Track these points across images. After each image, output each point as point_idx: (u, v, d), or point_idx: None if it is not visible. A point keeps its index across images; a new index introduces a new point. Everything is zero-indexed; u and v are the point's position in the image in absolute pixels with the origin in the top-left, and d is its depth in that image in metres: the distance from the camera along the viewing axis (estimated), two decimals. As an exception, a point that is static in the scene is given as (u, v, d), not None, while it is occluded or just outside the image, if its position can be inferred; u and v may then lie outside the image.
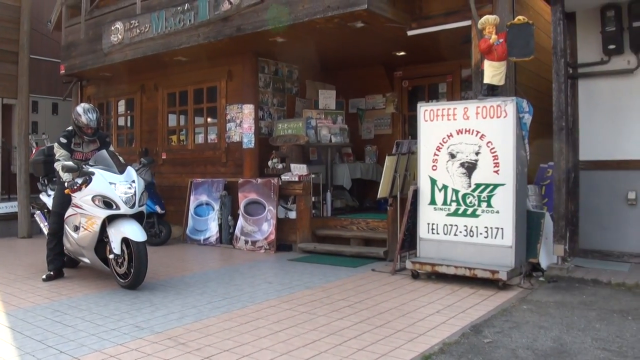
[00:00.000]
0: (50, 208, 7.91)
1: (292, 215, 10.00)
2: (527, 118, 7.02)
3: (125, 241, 6.71)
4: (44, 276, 7.51)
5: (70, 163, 7.03)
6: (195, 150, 11.94)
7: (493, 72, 7.04)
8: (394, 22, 8.64)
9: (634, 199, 7.60)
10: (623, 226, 7.66)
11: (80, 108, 7.44)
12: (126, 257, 6.77)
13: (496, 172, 6.80)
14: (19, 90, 12.91)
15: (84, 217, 7.00)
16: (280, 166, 10.37)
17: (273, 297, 6.42)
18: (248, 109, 10.64)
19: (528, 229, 7.09)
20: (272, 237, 9.86)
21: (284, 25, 8.90)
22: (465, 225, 7.00)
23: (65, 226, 7.48)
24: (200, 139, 11.98)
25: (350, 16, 8.36)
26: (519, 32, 6.99)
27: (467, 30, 8.11)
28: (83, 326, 5.39)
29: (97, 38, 12.06)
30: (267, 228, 9.98)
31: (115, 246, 6.70)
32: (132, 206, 6.78)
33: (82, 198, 6.97)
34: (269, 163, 10.49)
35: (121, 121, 14.08)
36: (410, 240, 7.59)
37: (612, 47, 7.67)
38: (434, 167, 7.28)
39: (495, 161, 6.81)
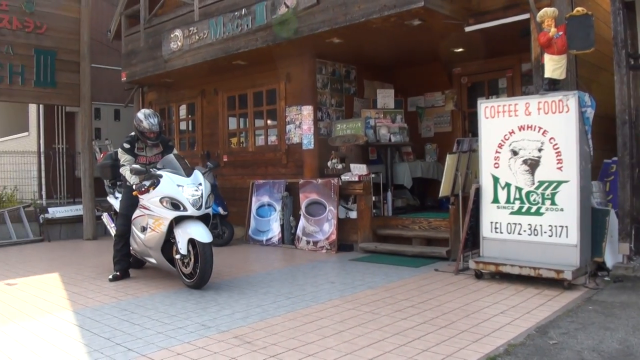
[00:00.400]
0: (118, 210, 8.18)
1: (353, 215, 10.02)
2: (590, 112, 6.88)
3: (192, 242, 6.90)
4: (110, 276, 7.77)
5: (138, 166, 7.34)
6: (256, 152, 12.08)
7: (554, 65, 6.92)
8: (451, 18, 8.57)
9: None
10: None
11: (141, 114, 7.69)
12: (192, 257, 6.96)
13: (559, 168, 6.69)
14: (82, 98, 13.38)
15: (152, 218, 7.26)
16: (340, 166, 10.40)
17: (336, 297, 6.46)
18: (307, 110, 10.72)
19: (593, 227, 6.94)
20: (334, 237, 9.91)
21: (340, 27, 8.94)
22: (529, 224, 6.91)
23: (133, 227, 7.76)
24: (260, 141, 12.11)
25: (407, 14, 8.34)
26: (579, 24, 6.84)
27: (526, 24, 7.97)
28: (150, 324, 5.56)
29: (157, 45, 12.33)
30: (328, 228, 10.03)
31: (182, 247, 6.89)
32: (199, 208, 6.98)
33: (150, 200, 7.23)
34: (329, 163, 10.53)
35: (183, 125, 14.35)
36: (473, 239, 7.53)
37: (674, 36, 7.44)
38: (496, 165, 7.20)
39: (559, 157, 6.69)
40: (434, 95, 12.23)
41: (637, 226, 7.30)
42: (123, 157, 7.70)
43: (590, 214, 6.93)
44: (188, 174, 7.20)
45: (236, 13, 10.43)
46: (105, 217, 9.09)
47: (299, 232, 10.45)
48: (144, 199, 7.35)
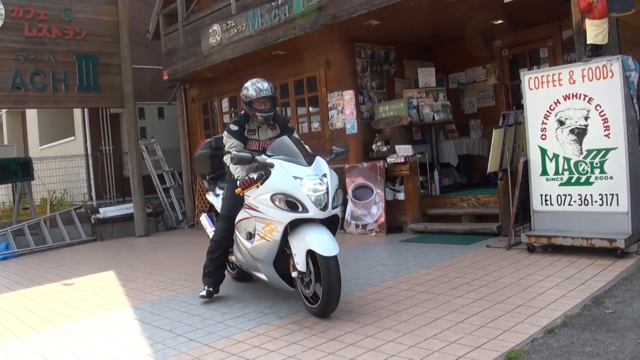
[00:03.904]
0: (219, 210, 6.57)
1: (401, 196, 10.03)
2: (634, 76, 6.76)
3: (311, 254, 5.19)
4: (202, 293, 6.25)
5: (242, 153, 5.57)
6: (301, 140, 12.12)
7: (595, 30, 6.79)
8: (489, -10, 8.50)
9: None
10: None
11: (247, 83, 6.13)
12: (313, 274, 5.24)
13: (607, 135, 6.60)
14: (125, 99, 13.69)
15: (260, 221, 5.51)
16: (384, 149, 10.41)
17: (390, 278, 6.51)
18: (348, 95, 10.74)
19: (644, 193, 6.85)
20: (382, 219, 9.95)
21: (377, 8, 8.93)
22: (579, 194, 6.84)
23: (237, 232, 6.09)
24: (304, 128, 12.17)
25: (445, -10, 8.30)
26: (619, -15, 6.74)
27: (565, -10, 7.87)
28: (209, 315, 5.73)
29: (196, 42, 12.51)
30: (377, 211, 10.06)
31: (299, 261, 5.19)
32: (324, 208, 5.19)
33: (258, 197, 5.50)
34: (373, 147, 10.55)
35: (226, 119, 14.49)
36: (523, 213, 7.48)
37: None
38: (543, 137, 7.14)
39: (605, 124, 6.60)
40: (475, 70, 12.12)
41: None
42: (229, 142, 5.99)
43: (640, 180, 6.84)
44: (309, 162, 5.46)
45: (273, 3, 10.50)
46: (204, 219, 7.39)
47: (347, 216, 10.49)
48: (250, 197, 5.61)
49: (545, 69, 7.83)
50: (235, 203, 5.97)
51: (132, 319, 5.83)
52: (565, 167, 6.94)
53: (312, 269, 5.20)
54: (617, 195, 6.54)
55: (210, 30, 11.98)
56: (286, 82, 12.27)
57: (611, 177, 6.58)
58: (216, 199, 6.92)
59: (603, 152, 6.63)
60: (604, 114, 6.61)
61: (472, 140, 11.46)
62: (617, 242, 6.29)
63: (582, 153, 6.80)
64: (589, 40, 6.85)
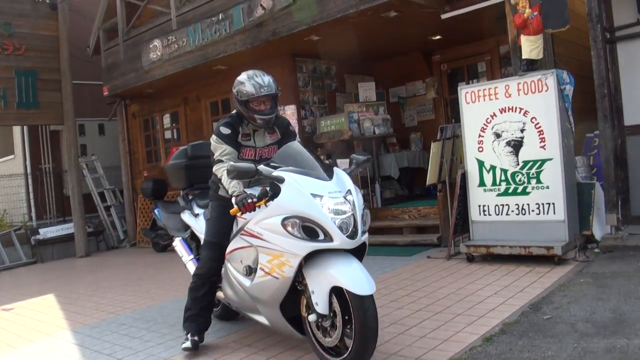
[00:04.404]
0: (199, 234, 5.45)
1: (344, 209, 9.95)
2: (569, 89, 6.96)
3: (335, 291, 3.95)
4: (185, 344, 4.85)
5: (243, 164, 4.22)
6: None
7: (530, 46, 6.98)
8: (427, 7, 8.65)
9: (685, 159, 7.46)
10: (676, 188, 7.50)
11: (242, 76, 4.78)
12: (338, 318, 3.99)
13: (543, 147, 6.77)
14: (65, 116, 13.43)
15: (266, 252, 4.24)
16: (326, 163, 10.41)
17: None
18: (290, 110, 10.75)
19: (579, 201, 7.02)
20: (326, 233, 9.84)
21: (317, 24, 9.00)
22: (516, 204, 6.98)
23: (228, 265, 4.80)
24: (246, 143, 12.10)
25: (383, 7, 8.43)
26: (552, 2, 6.93)
27: (501, 7, 8.02)
28: (149, 336, 5.59)
29: (137, 57, 12.38)
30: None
31: (320, 301, 3.96)
32: (353, 235, 4.02)
33: (262, 222, 4.26)
34: (316, 160, 10.50)
35: (167, 134, 14.35)
36: (462, 224, 7.59)
37: (647, 6, 7.50)
38: (480, 149, 7.27)
39: (541, 136, 6.77)
40: (415, 85, 12.32)
41: (623, 196, 7.42)
42: (220, 149, 4.65)
43: (575, 189, 7.01)
44: (328, 175, 4.26)
45: (213, 18, 10.48)
46: (179, 245, 5.86)
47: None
48: (247, 219, 4.43)
49: (481, 83, 8.00)
50: (225, 226, 4.81)
51: (72, 344, 5.69)
52: (503, 178, 7.08)
53: (338, 309, 3.95)
54: (553, 204, 6.70)
55: (150, 46, 11.88)
56: (228, 97, 12.19)
57: (547, 187, 6.74)
58: (194, 220, 5.63)
59: (539, 162, 6.79)
60: (540, 126, 6.78)
61: (412, 153, 11.61)
62: (554, 250, 6.43)
63: (518, 164, 6.94)
64: (525, 55, 7.03)
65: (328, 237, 3.94)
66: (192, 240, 5.78)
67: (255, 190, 4.30)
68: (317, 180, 4.14)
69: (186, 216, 5.77)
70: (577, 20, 7.74)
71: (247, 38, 10.04)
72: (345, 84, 11.98)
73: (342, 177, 4.27)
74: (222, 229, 4.81)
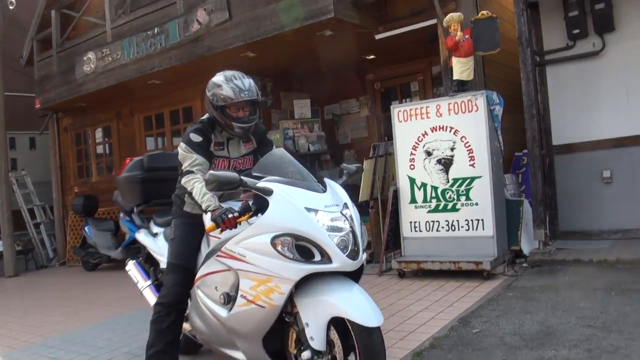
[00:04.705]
0: (158, 256, 4.84)
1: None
2: (498, 110, 7.18)
3: (333, 321, 3.38)
4: None
5: (226, 173, 3.57)
6: (177, 171, 11.97)
7: (461, 67, 7.18)
8: (362, 27, 8.79)
9: (609, 177, 7.73)
10: (600, 205, 7.79)
11: (218, 77, 4.17)
12: (338, 348, 3.43)
13: (472, 165, 6.95)
14: (-5, 129, 12.96)
15: (249, 277, 3.61)
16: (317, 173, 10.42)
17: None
18: (225, 126, 10.69)
19: (508, 217, 7.23)
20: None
21: (253, 41, 9.03)
22: (446, 220, 7.13)
23: (198, 292, 4.13)
24: (180, 159, 12.00)
25: (318, 26, 8.52)
26: (484, 26, 7.12)
27: (434, 29, 8.25)
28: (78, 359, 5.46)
29: (70, 69, 12.14)
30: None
31: (315, 334, 3.37)
32: (354, 255, 3.46)
33: (245, 241, 3.64)
34: (250, 177, 10.46)
35: (99, 149, 14.11)
36: (394, 240, 7.70)
37: (576, 31, 7.79)
38: (412, 167, 7.41)
39: (471, 155, 6.95)
40: (349, 102, 12.43)
41: (551, 212, 7.68)
42: (190, 159, 4.02)
43: (504, 206, 7.22)
44: (321, 186, 3.80)
45: (149, 32, 10.39)
46: (133, 269, 5.15)
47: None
48: (227, 240, 3.76)
49: (413, 102, 8.19)
50: (192, 246, 4.21)
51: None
52: (433, 195, 7.23)
53: (338, 342, 3.42)
54: (482, 220, 6.87)
55: (84, 58, 11.67)
56: (162, 112, 12.12)
57: (477, 204, 6.91)
58: (152, 240, 4.96)
59: (468, 180, 6.96)
60: (469, 145, 6.96)
61: (346, 170, 11.63)
62: (483, 265, 6.59)
63: (448, 182, 7.11)
64: (456, 77, 7.24)
65: (325, 258, 3.39)
66: (147, 263, 5.10)
67: (235, 205, 3.72)
68: (310, 192, 3.62)
69: (141, 236, 5.10)
70: (508, 44, 7.98)
71: (183, 53, 9.99)
72: (281, 101, 11.99)
73: (336, 190, 3.78)
74: (189, 249, 4.19)
